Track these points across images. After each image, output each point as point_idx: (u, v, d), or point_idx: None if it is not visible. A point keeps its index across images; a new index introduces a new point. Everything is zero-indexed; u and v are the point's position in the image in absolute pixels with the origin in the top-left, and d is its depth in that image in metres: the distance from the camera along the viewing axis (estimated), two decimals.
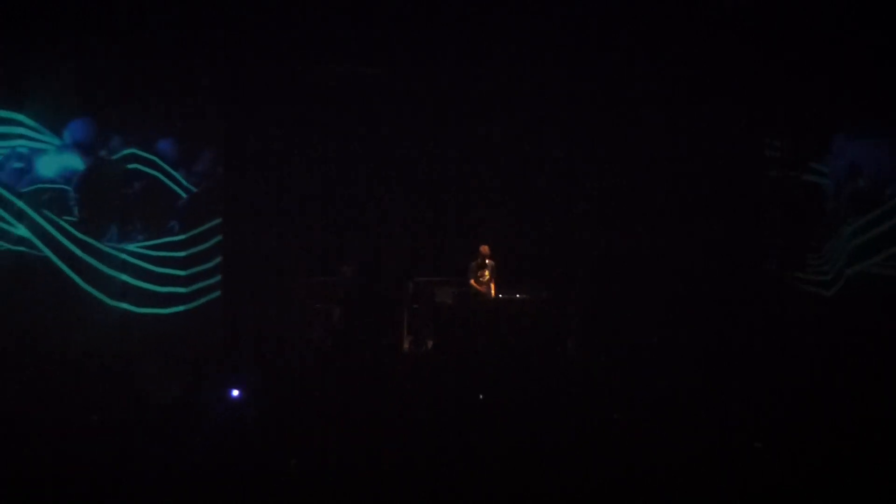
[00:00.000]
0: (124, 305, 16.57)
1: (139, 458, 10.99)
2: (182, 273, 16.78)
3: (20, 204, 16.13)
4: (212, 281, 16.90)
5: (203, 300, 16.85)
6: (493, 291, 16.52)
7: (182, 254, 16.79)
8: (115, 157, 16.46)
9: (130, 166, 16.30)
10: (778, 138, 17.36)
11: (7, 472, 10.57)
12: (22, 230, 16.08)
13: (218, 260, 16.89)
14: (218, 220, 16.86)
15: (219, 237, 16.78)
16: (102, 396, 13.75)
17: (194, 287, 16.86)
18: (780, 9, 15.90)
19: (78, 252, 16.30)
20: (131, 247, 16.72)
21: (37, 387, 14.18)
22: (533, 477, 10.81)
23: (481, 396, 14.19)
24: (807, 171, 17.46)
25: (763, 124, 17.29)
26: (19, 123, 16.20)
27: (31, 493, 10.10)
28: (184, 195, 16.72)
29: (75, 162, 16.33)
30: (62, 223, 16.23)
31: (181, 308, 16.80)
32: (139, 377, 14.67)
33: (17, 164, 16.26)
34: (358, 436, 11.95)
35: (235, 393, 14.20)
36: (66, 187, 16.51)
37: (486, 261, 16.38)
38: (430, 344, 16.87)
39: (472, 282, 16.47)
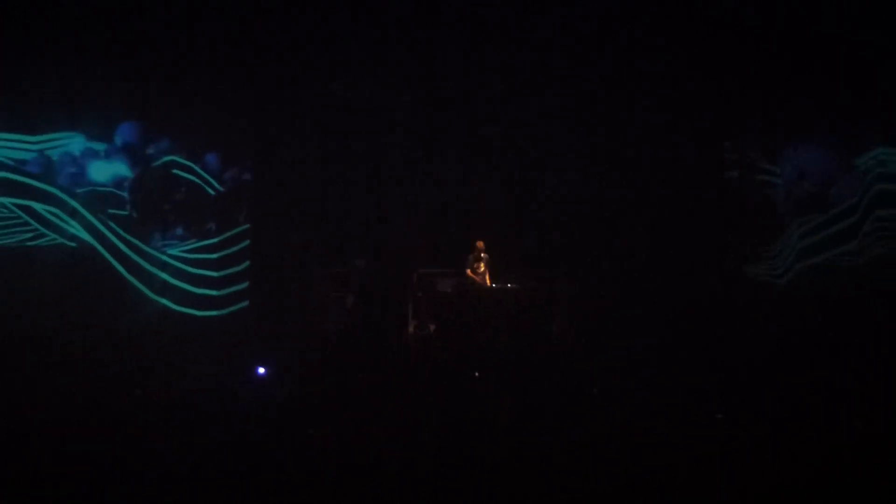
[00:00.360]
0: (164, 300, 17.72)
1: (178, 425, 12.63)
2: (215, 257, 17.82)
3: (74, 203, 17.33)
4: (241, 268, 17.94)
5: (233, 289, 17.81)
6: (487, 281, 17.32)
7: (215, 255, 17.93)
8: (157, 163, 17.75)
9: (173, 171, 17.57)
10: (735, 143, 18.16)
11: (64, 424, 12.32)
12: (75, 227, 17.30)
13: (246, 263, 17.84)
14: (246, 225, 17.79)
15: (247, 233, 17.83)
16: (144, 374, 15.22)
17: (224, 272, 17.91)
18: (739, 25, 16.86)
19: (123, 248, 17.53)
20: (174, 251, 17.93)
21: (86, 362, 15.58)
22: (519, 439, 12.24)
23: (476, 374, 15.58)
24: (761, 174, 18.26)
25: (722, 131, 18.03)
26: (74, 136, 17.61)
27: (82, 447, 11.52)
28: (212, 194, 17.77)
29: (123, 168, 17.58)
30: (111, 222, 17.43)
31: (214, 292, 17.79)
32: (180, 355, 16.05)
33: (73, 169, 17.68)
34: (368, 406, 13.59)
35: (261, 371, 15.62)
36: (115, 190, 17.69)
37: (482, 254, 17.21)
38: (431, 328, 17.55)
39: (468, 273, 17.26)
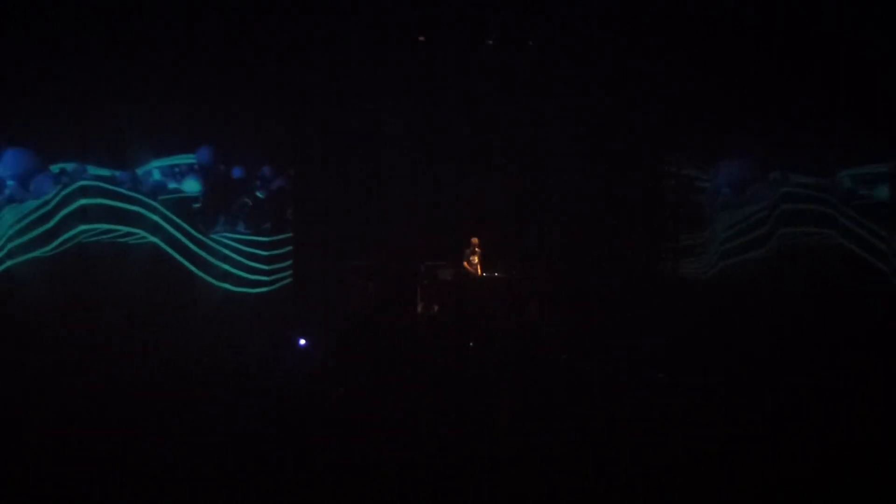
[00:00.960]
0: (225, 285, 19.03)
1: (238, 385, 14.37)
2: (265, 254, 19.19)
3: (156, 205, 18.67)
4: (286, 263, 19.41)
5: (279, 275, 19.28)
6: (479, 271, 18.45)
7: (265, 252, 19.37)
8: (220, 176, 19.24)
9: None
10: (673, 157, 19.33)
11: (149, 385, 13.90)
12: (160, 228, 18.74)
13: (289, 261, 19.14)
14: (288, 234, 19.19)
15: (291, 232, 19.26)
16: (212, 345, 16.58)
17: (275, 267, 19.41)
18: (679, 60, 17.86)
19: (191, 245, 18.88)
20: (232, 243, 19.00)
21: (165, 335, 16.97)
22: (500, 390, 14.31)
23: (471, 344, 16.94)
24: (693, 184, 19.45)
25: (663, 147, 19.19)
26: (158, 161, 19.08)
27: (166, 402, 13.03)
28: (261, 197, 19.13)
29: (197, 182, 19.06)
30: (181, 222, 18.75)
31: (265, 290, 19.26)
32: (238, 332, 17.39)
33: (158, 182, 19.07)
34: (387, 369, 15.29)
35: (302, 342, 16.83)
36: (187, 194, 19.09)
37: (476, 249, 18.37)
38: (435, 308, 18.72)
39: (465, 264, 18.41)
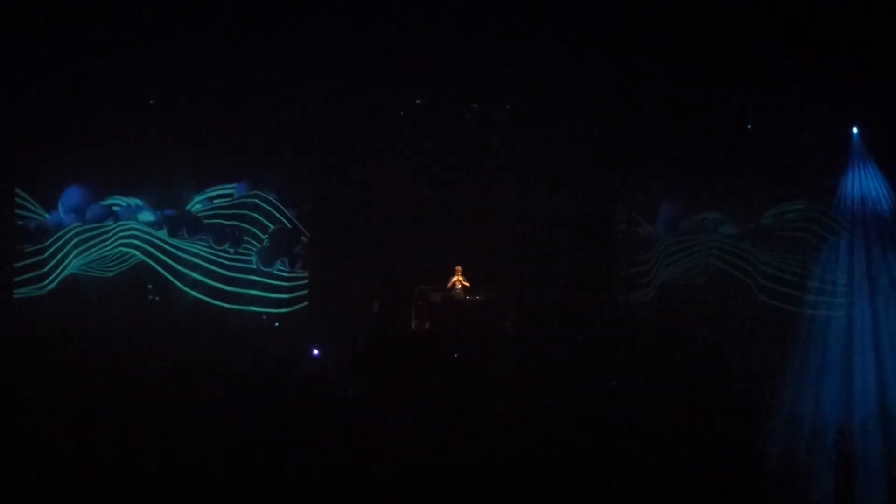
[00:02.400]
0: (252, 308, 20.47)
1: (263, 385, 16.09)
2: (287, 273, 20.59)
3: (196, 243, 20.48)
4: (303, 283, 20.69)
5: (299, 304, 20.64)
6: (464, 294, 19.87)
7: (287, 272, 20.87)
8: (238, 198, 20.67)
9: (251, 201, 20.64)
10: (623, 204, 20.75)
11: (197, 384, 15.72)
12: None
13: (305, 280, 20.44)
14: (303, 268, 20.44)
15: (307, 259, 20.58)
16: (239, 353, 17.94)
17: (294, 286, 20.71)
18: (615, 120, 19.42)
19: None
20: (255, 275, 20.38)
21: (205, 346, 18.42)
22: (477, 387, 16.16)
23: (456, 355, 18.37)
24: (641, 227, 20.98)
25: (612, 198, 20.73)
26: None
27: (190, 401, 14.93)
28: (288, 225, 20.45)
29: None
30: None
31: (284, 309, 20.61)
32: (265, 342, 18.96)
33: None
34: (387, 374, 16.91)
35: (316, 352, 18.23)
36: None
37: (460, 277, 19.88)
38: (427, 325, 20.03)
39: (451, 289, 19.90)
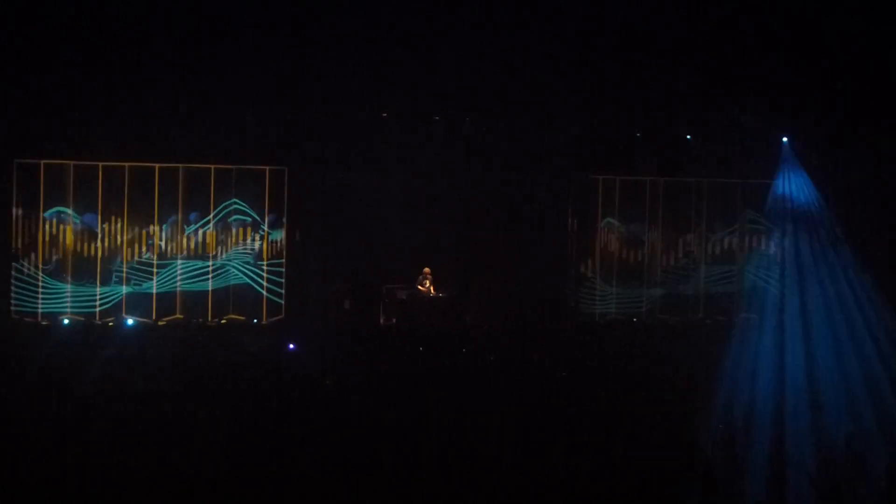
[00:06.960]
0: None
1: (247, 377, 16.26)
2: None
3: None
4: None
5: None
6: (431, 292, 20.27)
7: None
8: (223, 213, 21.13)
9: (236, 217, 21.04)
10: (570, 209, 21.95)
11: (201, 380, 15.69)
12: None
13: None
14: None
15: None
16: (227, 350, 18.28)
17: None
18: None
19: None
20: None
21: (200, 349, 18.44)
22: (442, 387, 16.08)
23: (420, 347, 18.66)
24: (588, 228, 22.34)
25: (563, 201, 21.96)
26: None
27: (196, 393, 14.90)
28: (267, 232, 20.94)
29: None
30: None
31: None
32: (247, 340, 19.28)
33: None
34: (359, 365, 17.25)
35: (292, 346, 18.50)
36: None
37: (427, 276, 20.26)
38: (394, 320, 20.60)
39: (418, 287, 20.22)
